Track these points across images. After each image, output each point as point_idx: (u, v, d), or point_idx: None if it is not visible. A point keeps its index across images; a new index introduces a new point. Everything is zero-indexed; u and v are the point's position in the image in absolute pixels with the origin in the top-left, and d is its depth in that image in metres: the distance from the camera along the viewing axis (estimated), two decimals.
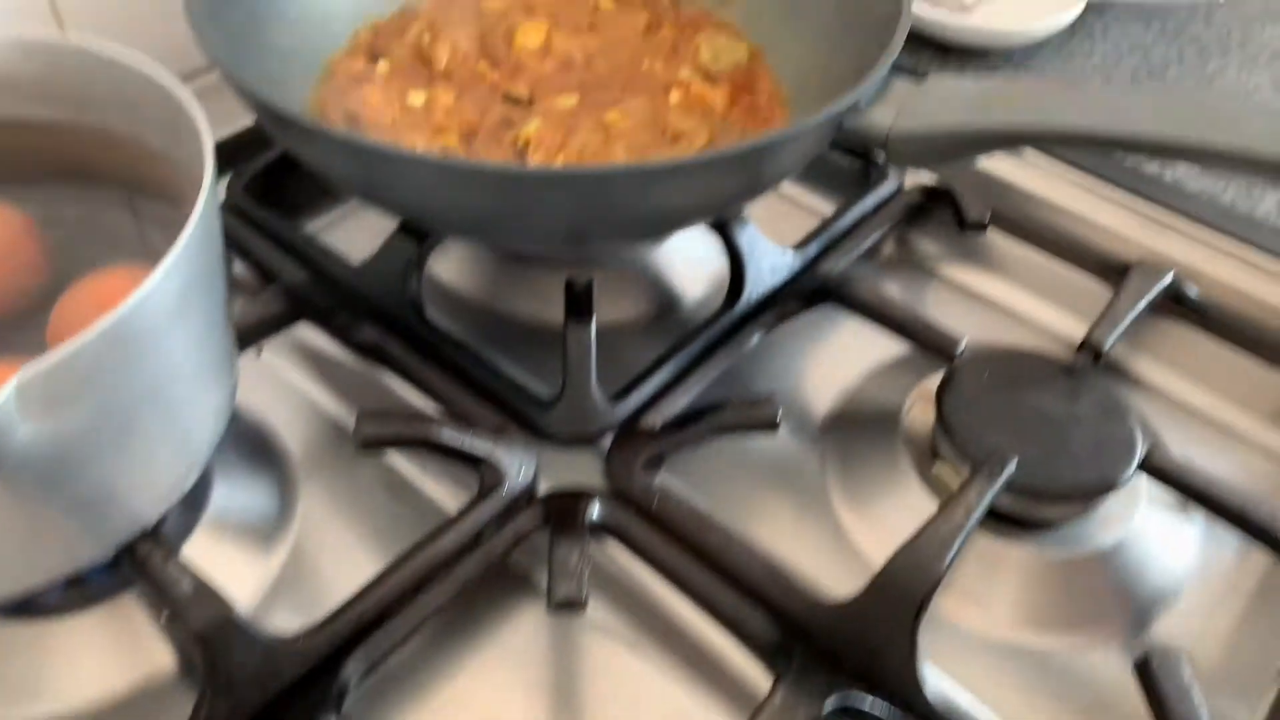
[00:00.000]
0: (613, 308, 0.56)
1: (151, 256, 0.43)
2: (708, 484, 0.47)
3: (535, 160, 0.53)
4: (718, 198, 0.45)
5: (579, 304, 0.49)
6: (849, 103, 0.44)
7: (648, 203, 0.43)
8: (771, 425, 0.44)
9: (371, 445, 0.42)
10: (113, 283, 0.37)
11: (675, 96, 0.57)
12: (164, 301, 0.34)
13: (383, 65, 0.57)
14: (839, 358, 0.54)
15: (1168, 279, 0.53)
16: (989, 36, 0.71)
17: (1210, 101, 0.38)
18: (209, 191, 0.36)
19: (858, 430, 0.50)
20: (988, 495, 0.42)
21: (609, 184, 0.41)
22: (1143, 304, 0.51)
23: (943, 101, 0.43)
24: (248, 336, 0.48)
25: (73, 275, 0.43)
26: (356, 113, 0.54)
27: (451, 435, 0.43)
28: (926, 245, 0.60)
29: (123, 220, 0.44)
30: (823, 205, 0.63)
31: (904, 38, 0.47)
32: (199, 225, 0.35)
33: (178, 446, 0.39)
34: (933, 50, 0.73)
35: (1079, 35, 0.75)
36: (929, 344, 0.48)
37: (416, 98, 0.55)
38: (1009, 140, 0.41)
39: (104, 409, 0.33)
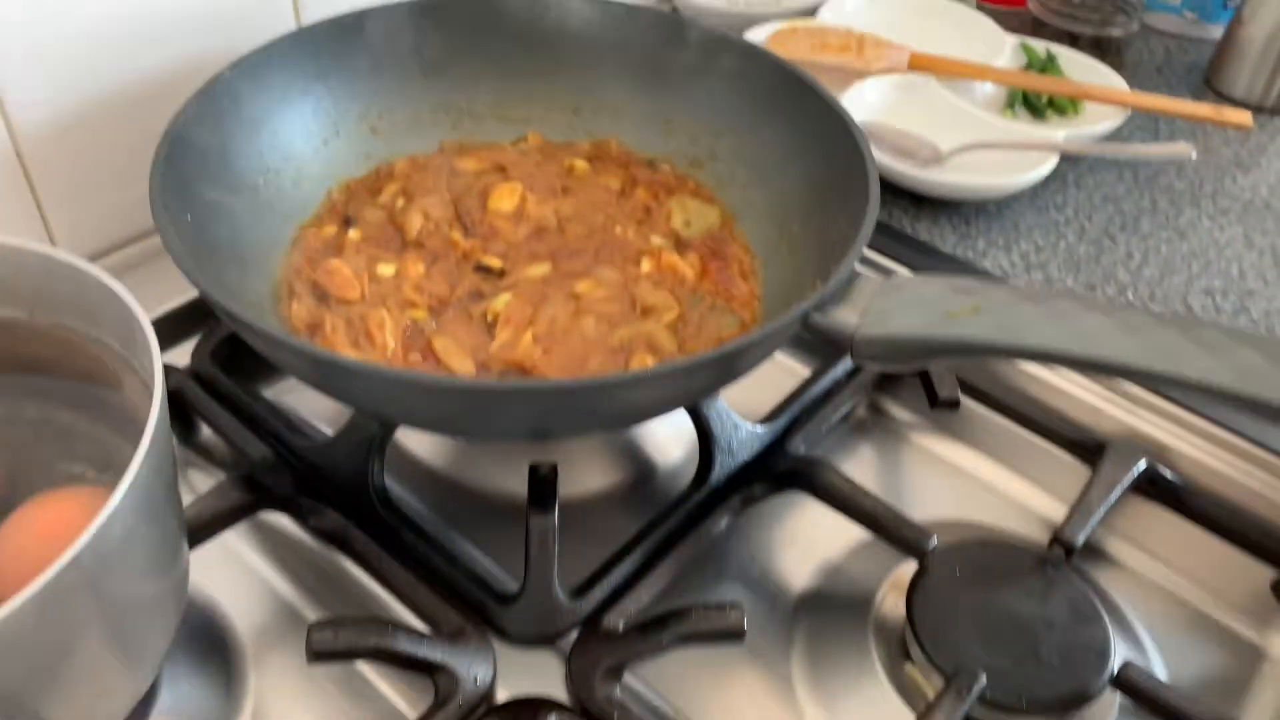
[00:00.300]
0: (579, 480, 0.55)
1: (105, 461, 0.43)
2: (671, 678, 0.45)
3: (503, 336, 0.52)
4: (681, 397, 0.45)
5: (542, 492, 0.48)
6: (814, 303, 0.44)
7: (610, 407, 0.43)
8: (737, 636, 0.43)
9: (324, 658, 0.41)
10: (57, 511, 0.36)
11: (647, 265, 0.57)
12: (111, 537, 0.33)
13: (354, 233, 0.57)
14: (811, 538, 0.53)
15: (1142, 464, 0.52)
16: (962, 190, 0.71)
17: (1192, 329, 0.38)
18: (157, 419, 0.35)
19: (828, 618, 0.49)
20: (959, 713, 0.41)
21: (570, 395, 0.40)
22: (1116, 493, 0.51)
23: (909, 306, 0.43)
24: (206, 529, 0.47)
25: (27, 477, 0.42)
26: (324, 286, 0.54)
27: (407, 643, 0.42)
28: (900, 412, 0.60)
29: (78, 420, 0.43)
30: (796, 365, 0.63)
31: (870, 231, 0.47)
32: (147, 458, 0.34)
33: (126, 670, 0.37)
34: (906, 199, 0.73)
35: (1052, 184, 0.75)
36: (900, 540, 0.48)
37: (387, 268, 0.55)
38: (975, 353, 0.41)
39: (48, 649, 0.32)
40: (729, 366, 0.43)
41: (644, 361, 0.51)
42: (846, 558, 0.52)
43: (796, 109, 0.59)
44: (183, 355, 0.58)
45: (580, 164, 0.64)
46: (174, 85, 0.58)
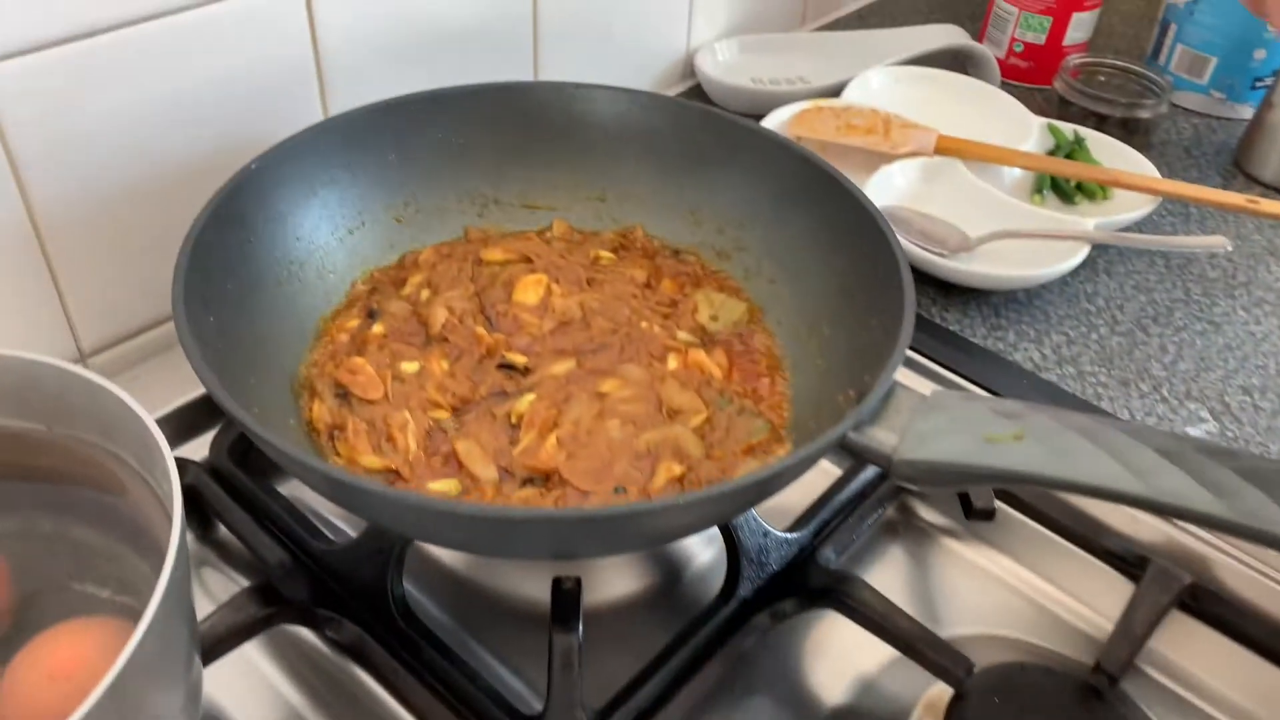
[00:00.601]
0: (604, 587, 0.53)
1: (120, 581, 0.41)
2: None
3: (526, 440, 0.51)
4: (708, 521, 0.44)
5: (566, 608, 0.46)
6: (851, 424, 0.43)
7: (636, 532, 0.41)
8: None
9: None
10: (71, 649, 0.35)
11: (673, 363, 0.56)
12: (127, 679, 0.31)
13: (378, 327, 0.56)
14: (843, 652, 0.51)
15: (1186, 580, 0.50)
16: (993, 280, 0.70)
17: (1248, 463, 0.36)
18: (175, 559, 0.34)
19: None
20: None
21: (593, 524, 0.39)
22: (1160, 614, 0.49)
23: (950, 429, 0.42)
24: (222, 644, 0.46)
25: (43, 597, 0.41)
26: (347, 385, 0.53)
27: None
28: (933, 517, 0.58)
29: (94, 535, 0.42)
30: (825, 463, 0.61)
31: (906, 347, 0.46)
32: (164, 599, 0.33)
33: None
34: (934, 287, 0.72)
35: (1084, 272, 0.74)
36: (938, 667, 0.46)
37: (410, 366, 0.54)
38: (1018, 482, 0.40)
39: None
40: (760, 492, 0.42)
41: (670, 470, 0.50)
42: (880, 674, 0.50)
43: (825, 203, 0.58)
44: (200, 448, 0.57)
45: (606, 254, 0.63)
46: (200, 174, 0.58)
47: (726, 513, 0.43)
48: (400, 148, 0.62)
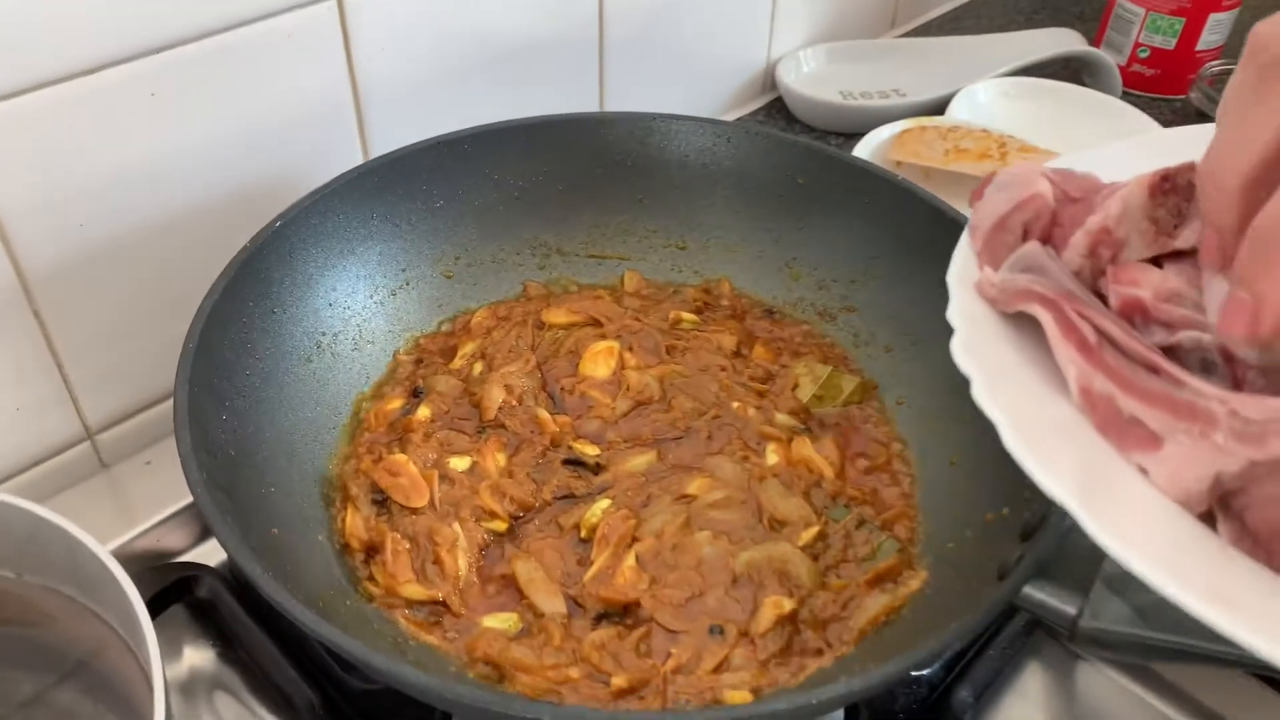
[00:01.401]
0: None
1: None
2: None
3: (600, 561, 0.42)
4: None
5: None
6: (1020, 581, 0.33)
7: None
8: None
9: None
10: None
11: (772, 456, 0.47)
12: None
13: (424, 410, 0.48)
14: None
15: None
16: None
17: None
18: None
19: None
20: None
21: None
22: None
23: (1144, 588, 0.32)
24: None
25: None
26: (387, 490, 0.44)
27: None
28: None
29: (78, 701, 0.34)
30: None
31: None
32: None
33: None
34: None
35: None
36: None
37: (460, 462, 0.46)
38: (1213, 663, 0.30)
39: None
40: (901, 679, 0.32)
41: (778, 606, 0.40)
42: None
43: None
44: (215, 548, 0.49)
45: (687, 316, 0.54)
46: (217, 227, 0.50)
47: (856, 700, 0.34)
48: (450, 192, 0.53)
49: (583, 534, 0.44)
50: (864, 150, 0.71)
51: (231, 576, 0.47)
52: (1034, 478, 0.26)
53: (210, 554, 0.49)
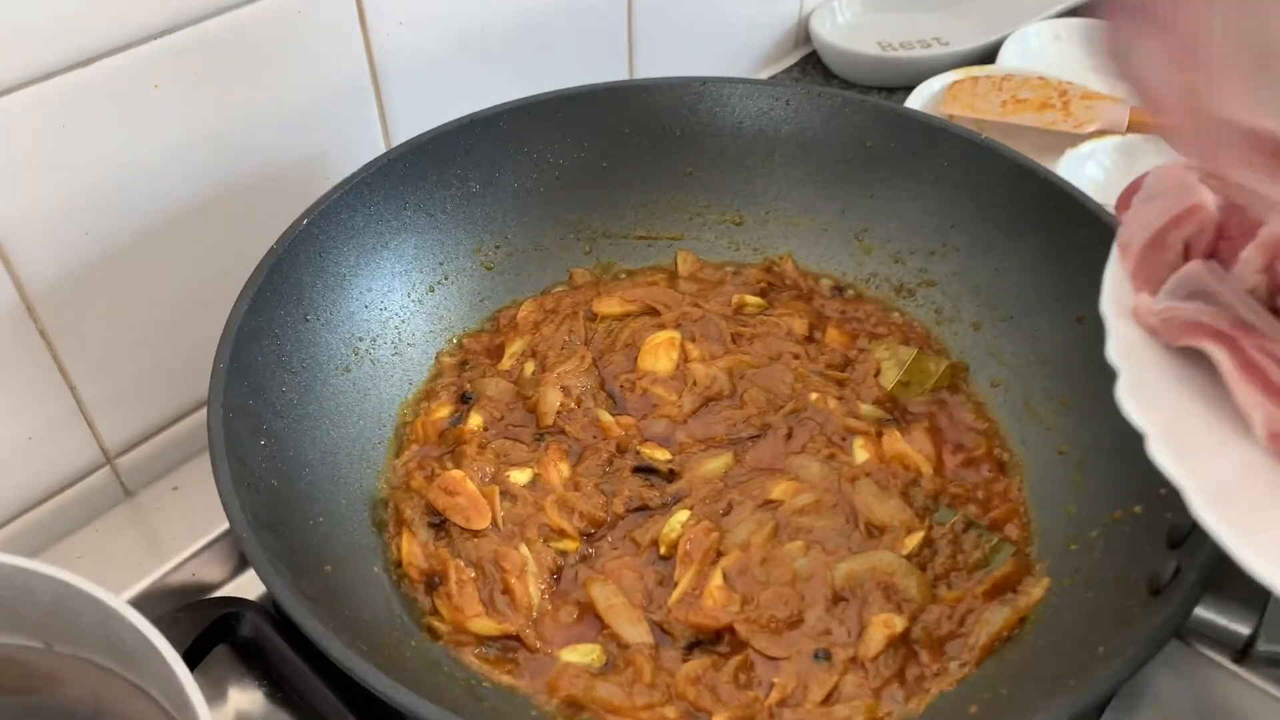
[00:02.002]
0: None
1: None
2: None
3: (685, 582, 0.38)
4: None
5: None
6: (1189, 599, 0.29)
7: None
8: None
9: None
10: None
11: (861, 453, 0.43)
12: None
13: (475, 418, 0.44)
14: None
15: None
16: None
17: None
18: None
19: None
20: None
21: None
22: None
23: None
24: None
25: None
26: (444, 511, 0.40)
27: None
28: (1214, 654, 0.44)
29: None
30: None
31: None
32: None
33: None
34: None
35: None
36: None
37: (521, 475, 0.41)
38: None
39: None
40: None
41: (889, 625, 0.36)
42: None
43: (1048, 222, 0.44)
44: (255, 579, 0.45)
45: (751, 299, 0.49)
46: (235, 224, 0.46)
47: None
48: (486, 175, 0.48)
49: (662, 550, 0.39)
50: (913, 106, 0.66)
51: (276, 611, 0.43)
52: (1247, 568, 0.22)
53: (250, 586, 0.45)
